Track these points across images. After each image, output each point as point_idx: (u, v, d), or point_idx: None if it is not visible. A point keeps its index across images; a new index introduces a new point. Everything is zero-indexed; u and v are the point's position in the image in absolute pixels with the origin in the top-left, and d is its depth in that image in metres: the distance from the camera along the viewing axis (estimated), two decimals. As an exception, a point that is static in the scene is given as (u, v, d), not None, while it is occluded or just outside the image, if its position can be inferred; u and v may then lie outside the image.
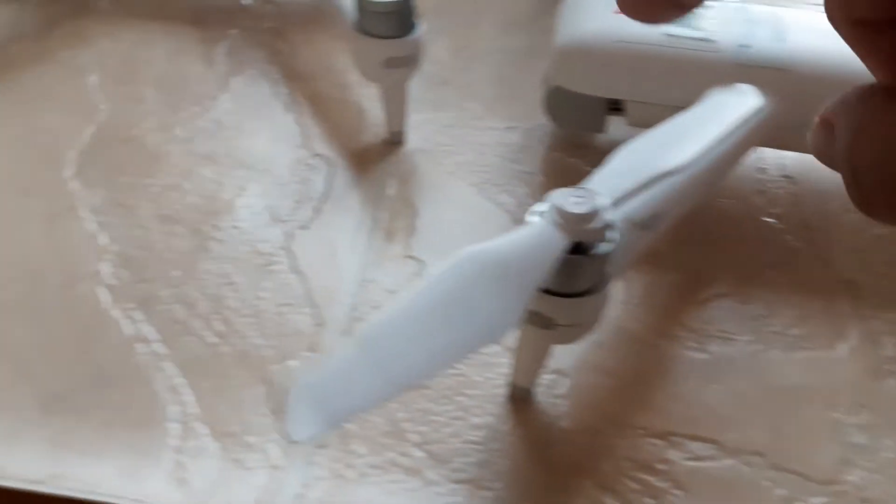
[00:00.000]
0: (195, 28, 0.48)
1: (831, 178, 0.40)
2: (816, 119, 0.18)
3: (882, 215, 0.18)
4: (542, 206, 0.26)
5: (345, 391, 0.21)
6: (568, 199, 0.25)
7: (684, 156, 0.28)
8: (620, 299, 0.35)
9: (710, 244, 0.37)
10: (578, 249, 0.25)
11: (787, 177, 0.41)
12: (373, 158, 0.41)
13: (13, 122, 0.42)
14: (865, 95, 0.18)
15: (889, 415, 0.31)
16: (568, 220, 0.24)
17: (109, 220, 0.37)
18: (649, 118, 0.38)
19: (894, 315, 0.35)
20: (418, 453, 0.29)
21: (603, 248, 0.25)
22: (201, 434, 0.29)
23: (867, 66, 0.18)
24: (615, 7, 0.42)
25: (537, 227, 0.25)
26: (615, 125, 0.40)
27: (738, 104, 0.32)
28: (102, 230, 0.36)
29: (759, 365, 0.33)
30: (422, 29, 0.39)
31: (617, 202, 0.26)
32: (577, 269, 0.26)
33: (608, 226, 0.25)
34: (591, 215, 0.24)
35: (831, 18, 0.18)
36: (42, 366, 0.31)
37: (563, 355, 0.32)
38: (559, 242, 0.24)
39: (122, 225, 0.36)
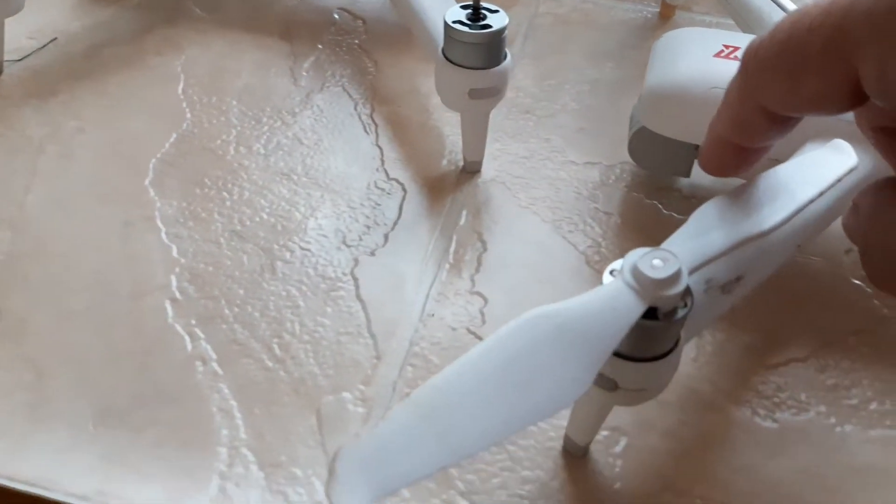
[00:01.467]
0: (284, 41, 0.49)
1: None
2: (852, 199, 0.23)
3: (887, 289, 0.21)
4: (618, 265, 0.25)
5: (398, 460, 0.20)
6: (648, 260, 0.24)
7: (773, 220, 0.27)
8: (690, 357, 0.34)
9: (790, 304, 0.36)
10: (652, 315, 0.24)
11: (880, 236, 0.39)
12: (447, 187, 0.41)
13: (100, 126, 0.43)
14: (882, 185, 0.21)
15: (972, 509, 0.29)
16: (645, 286, 0.23)
17: (182, 231, 0.37)
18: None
19: None
20: (463, 502, 0.29)
21: (679, 314, 0.24)
22: (248, 461, 0.29)
23: (888, 162, 0.23)
24: (713, 51, 0.40)
25: (614, 290, 0.24)
26: (698, 171, 0.39)
27: (833, 162, 0.30)
28: (175, 242, 0.37)
29: (832, 440, 0.31)
30: (509, 60, 0.38)
31: (697, 266, 0.25)
32: (649, 334, 0.24)
33: (687, 292, 0.24)
34: (670, 280, 0.23)
35: (859, 124, 0.23)
36: (103, 378, 0.32)
37: (624, 412, 0.31)
38: (636, 308, 0.23)
39: (194, 238, 0.37)
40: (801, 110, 0.22)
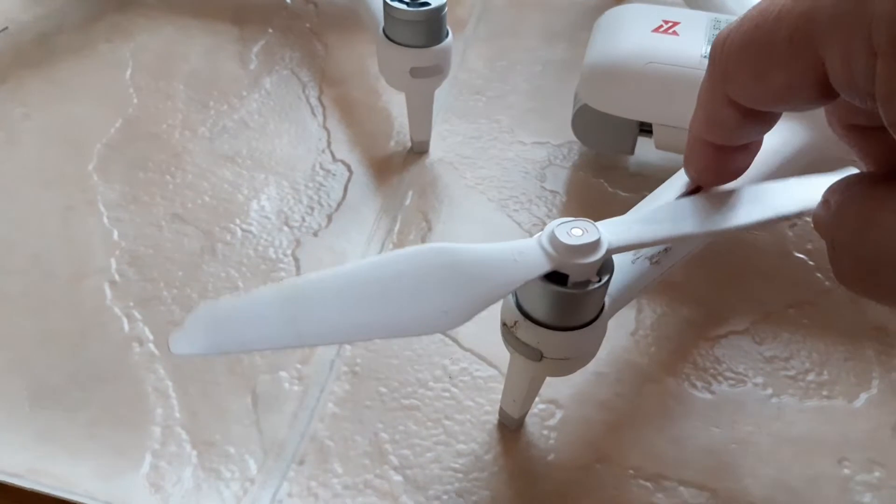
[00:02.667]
0: (234, 26, 0.48)
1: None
2: (823, 194, 0.21)
3: (853, 287, 0.20)
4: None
5: (244, 328, 0.20)
6: (568, 228, 0.24)
7: (725, 224, 0.25)
8: (629, 330, 0.34)
9: (732, 278, 0.36)
10: (563, 281, 0.24)
11: (824, 210, 0.39)
12: (394, 167, 0.41)
13: (46, 112, 0.42)
14: (853, 181, 0.20)
15: (904, 475, 0.29)
16: (557, 249, 0.23)
17: (123, 215, 0.37)
18: (678, 143, 0.37)
19: (924, 367, 0.33)
20: (396, 477, 0.29)
21: (591, 286, 0.24)
22: (182, 440, 0.29)
23: (857, 158, 0.22)
24: (652, 26, 0.40)
25: (523, 246, 0.24)
26: (645, 147, 0.39)
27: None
28: (116, 226, 0.36)
29: (768, 410, 0.31)
30: (450, 39, 0.38)
31: (622, 247, 0.25)
32: (562, 301, 0.25)
33: (603, 264, 0.24)
34: (581, 250, 0.23)
35: (830, 123, 0.22)
36: (39, 359, 0.32)
37: (560, 385, 0.31)
38: (539, 266, 0.23)
39: (135, 222, 0.37)
40: (769, 104, 0.21)
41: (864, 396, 0.32)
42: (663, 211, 0.26)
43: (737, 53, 0.21)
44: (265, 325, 0.21)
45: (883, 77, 0.16)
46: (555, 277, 0.23)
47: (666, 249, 0.29)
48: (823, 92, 0.19)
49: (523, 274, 0.23)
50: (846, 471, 0.29)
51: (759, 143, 0.25)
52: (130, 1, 0.50)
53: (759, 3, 0.20)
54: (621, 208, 0.31)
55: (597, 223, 0.24)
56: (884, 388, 0.32)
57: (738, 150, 0.25)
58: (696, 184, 0.26)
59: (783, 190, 0.26)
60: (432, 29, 0.37)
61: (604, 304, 0.26)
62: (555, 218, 0.38)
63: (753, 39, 0.20)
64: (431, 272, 0.22)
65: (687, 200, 0.26)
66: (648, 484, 0.29)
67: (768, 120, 0.23)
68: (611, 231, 0.24)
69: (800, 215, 0.25)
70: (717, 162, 0.25)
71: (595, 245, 0.23)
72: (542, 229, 0.24)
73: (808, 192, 0.25)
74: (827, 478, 0.29)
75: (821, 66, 0.18)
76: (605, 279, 0.24)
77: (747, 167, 0.25)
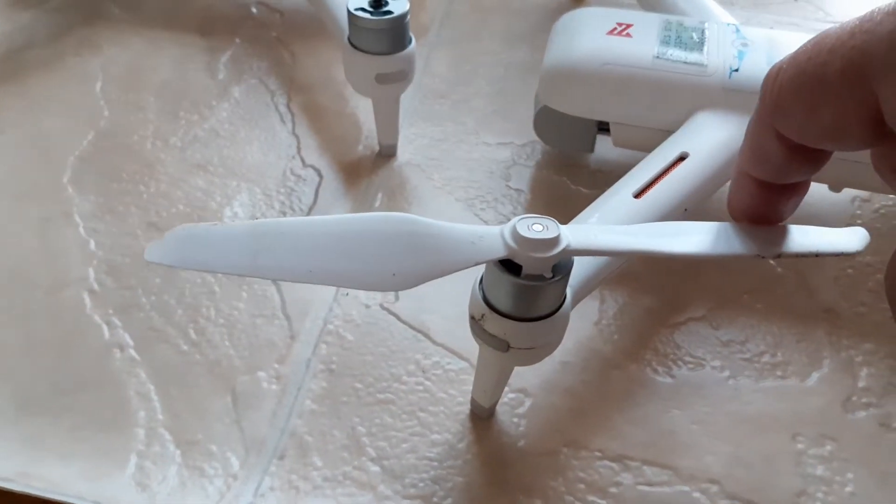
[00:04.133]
0: (202, 37, 0.49)
1: (819, 203, 0.40)
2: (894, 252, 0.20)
3: None
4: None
5: (212, 252, 0.23)
6: (530, 223, 0.25)
7: (669, 248, 0.26)
8: (593, 320, 0.35)
9: (689, 269, 0.37)
10: (518, 272, 0.25)
11: (777, 200, 0.41)
12: (363, 171, 0.42)
13: (18, 126, 0.43)
14: None
15: (854, 448, 0.31)
16: (516, 241, 0.25)
17: (99, 225, 0.38)
18: (634, 140, 0.39)
19: (871, 346, 0.34)
20: (374, 468, 0.30)
21: (543, 280, 0.25)
22: (165, 440, 0.30)
23: None
24: (606, 29, 0.42)
25: (485, 231, 0.25)
26: (605, 145, 0.40)
27: (839, 236, 0.26)
28: (92, 236, 0.37)
29: (726, 392, 0.33)
30: (413, 45, 0.39)
31: (582, 251, 0.26)
32: (529, 294, 0.26)
33: (560, 262, 0.25)
34: (537, 245, 0.25)
35: (877, 167, 0.21)
36: (23, 368, 0.32)
37: (529, 375, 0.33)
38: (494, 252, 0.25)
39: (111, 231, 0.38)
40: (819, 140, 0.20)
41: (815, 375, 0.33)
42: (635, 228, 0.27)
43: (788, 85, 0.20)
44: (230, 252, 0.23)
45: None
46: (511, 268, 0.25)
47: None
48: (876, 130, 0.18)
49: (478, 256, 0.24)
50: (799, 445, 0.31)
51: (807, 185, 0.24)
52: (98, 14, 0.51)
53: (815, 36, 0.19)
54: (584, 204, 0.33)
55: (565, 225, 0.25)
56: (834, 367, 0.34)
57: (784, 189, 0.23)
58: (739, 221, 0.25)
59: (747, 232, 0.26)
60: (396, 36, 0.38)
61: (565, 296, 0.27)
62: (519, 215, 0.40)
63: (805, 71, 0.19)
64: (392, 236, 0.24)
65: (662, 224, 0.27)
66: (614, 465, 0.30)
67: (818, 159, 0.21)
68: (574, 233, 0.26)
69: (754, 256, 0.25)
70: (762, 200, 0.24)
71: (552, 242, 0.25)
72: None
73: (774, 236, 0.25)
74: (782, 453, 0.31)
75: (874, 103, 0.17)
76: (558, 277, 0.25)
77: (792, 211, 0.24)
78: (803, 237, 0.25)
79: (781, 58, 0.37)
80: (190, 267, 0.23)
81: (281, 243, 0.23)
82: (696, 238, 0.26)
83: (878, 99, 0.17)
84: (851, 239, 0.26)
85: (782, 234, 0.25)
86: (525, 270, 0.25)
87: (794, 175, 0.23)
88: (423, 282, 0.24)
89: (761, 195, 0.24)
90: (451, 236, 0.24)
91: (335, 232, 0.24)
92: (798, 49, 0.20)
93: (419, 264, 0.24)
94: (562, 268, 0.26)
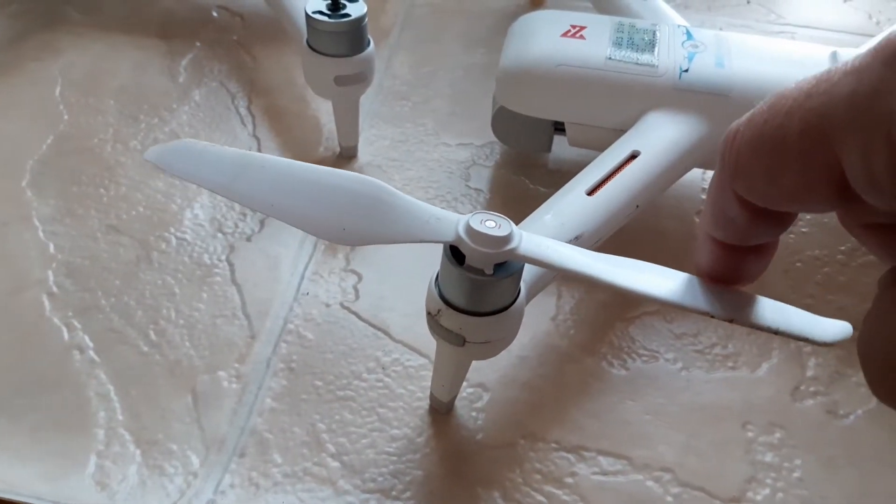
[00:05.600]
0: (162, 40, 0.50)
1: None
2: None
3: (886, 401, 0.18)
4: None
5: (203, 169, 0.25)
6: (485, 219, 0.26)
7: (615, 280, 0.25)
8: (550, 315, 0.36)
9: (644, 263, 0.38)
10: (462, 260, 0.26)
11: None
12: (323, 172, 0.42)
13: (-24, 131, 0.43)
14: (883, 285, 0.18)
15: (801, 435, 0.32)
16: (467, 231, 0.25)
17: (59, 228, 0.38)
18: (588, 140, 0.39)
19: (819, 336, 0.35)
20: (333, 463, 0.30)
21: (487, 274, 0.26)
22: (125, 440, 0.30)
23: (876, 256, 0.20)
24: (560, 31, 0.42)
25: (444, 216, 0.26)
26: (562, 145, 0.41)
27: (820, 324, 0.25)
28: (51, 239, 0.37)
29: (679, 383, 0.34)
30: (371, 48, 0.40)
31: (528, 258, 0.26)
32: (484, 289, 0.27)
33: (507, 263, 0.26)
34: (483, 240, 0.25)
35: (843, 222, 0.20)
36: (-19, 370, 0.32)
37: (487, 370, 0.33)
38: (444, 235, 0.25)
39: (71, 234, 0.38)
40: (783, 204, 0.19)
41: (765, 366, 0.34)
42: (589, 254, 0.26)
43: (746, 149, 0.19)
44: (214, 172, 0.25)
45: None
46: (460, 258, 0.26)
47: (578, 237, 0.32)
48: (842, 194, 0.17)
49: (427, 235, 0.25)
50: (750, 433, 0.32)
51: (775, 244, 0.23)
52: (58, 19, 0.51)
53: (769, 98, 0.18)
54: (542, 203, 0.33)
55: (525, 232, 0.26)
56: (783, 358, 0.35)
57: (749, 251, 0.22)
58: (707, 282, 0.24)
59: (711, 288, 0.24)
60: (354, 39, 0.39)
61: (520, 291, 0.28)
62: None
63: (763, 135, 0.18)
64: (358, 196, 0.25)
65: (620, 258, 0.26)
66: (570, 455, 0.31)
67: (783, 220, 0.21)
68: (528, 241, 0.26)
69: (703, 313, 0.24)
70: (727, 263, 0.23)
71: (498, 240, 0.25)
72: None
73: (739, 300, 0.24)
74: (732, 441, 0.32)
75: (837, 166, 0.16)
76: (501, 275, 0.26)
77: (762, 271, 0.23)
78: (772, 313, 0.24)
79: (730, 62, 0.38)
80: (177, 174, 0.25)
81: (259, 175, 0.25)
82: (651, 278, 0.25)
83: (842, 163, 0.16)
84: (827, 331, 0.24)
85: (749, 302, 0.24)
86: (468, 261, 0.25)
87: (758, 237, 0.22)
88: (368, 243, 0.25)
89: (726, 257, 0.23)
90: (410, 211, 0.26)
91: (309, 178, 0.26)
92: (754, 111, 0.19)
93: (370, 226, 0.25)
94: (510, 267, 0.26)
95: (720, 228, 0.22)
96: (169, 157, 0.26)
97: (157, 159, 0.25)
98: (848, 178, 0.16)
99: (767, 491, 0.30)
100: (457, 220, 0.26)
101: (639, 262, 0.26)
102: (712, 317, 0.24)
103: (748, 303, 0.24)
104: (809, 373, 0.34)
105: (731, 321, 0.24)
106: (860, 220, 0.19)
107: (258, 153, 0.27)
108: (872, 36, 0.44)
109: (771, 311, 0.24)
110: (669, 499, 0.30)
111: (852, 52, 0.39)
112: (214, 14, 0.52)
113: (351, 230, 0.25)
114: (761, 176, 0.18)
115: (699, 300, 0.24)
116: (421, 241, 0.25)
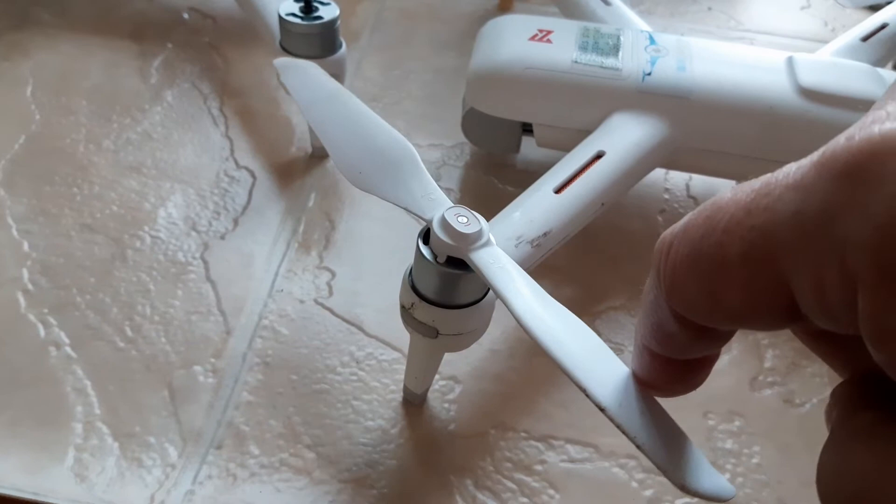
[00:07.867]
0: (133, 41, 0.50)
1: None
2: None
3: None
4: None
5: (307, 85, 0.32)
6: (460, 214, 0.27)
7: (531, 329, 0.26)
8: (519, 311, 0.37)
9: (609, 261, 0.39)
10: (456, 264, 0.27)
11: (691, 197, 0.43)
12: (296, 172, 0.43)
13: (-53, 131, 0.43)
14: (842, 408, 0.17)
15: (760, 422, 0.33)
16: (438, 221, 0.27)
17: (33, 227, 0.38)
18: (555, 140, 0.41)
19: (777, 329, 0.37)
20: (309, 454, 0.31)
21: (439, 264, 0.27)
22: (103, 433, 0.31)
23: (826, 363, 0.19)
24: (528, 35, 0.44)
25: (440, 199, 0.28)
26: (530, 146, 0.42)
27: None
28: (25, 237, 0.38)
29: (643, 375, 0.35)
30: (343, 50, 0.41)
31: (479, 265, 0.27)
32: (456, 282, 0.28)
33: (458, 254, 0.27)
34: (450, 232, 0.26)
35: (795, 335, 0.19)
36: (-44, 367, 0.33)
37: (459, 363, 0.34)
38: (425, 214, 0.27)
39: (45, 233, 0.38)
40: (725, 324, 0.17)
41: (725, 358, 0.36)
42: (533, 296, 0.27)
43: (682, 266, 0.17)
44: (309, 89, 0.32)
45: (868, 313, 0.14)
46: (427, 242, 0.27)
47: (545, 233, 0.33)
48: (790, 314, 0.16)
49: (415, 208, 0.27)
50: (710, 422, 0.33)
51: (717, 355, 0.21)
52: (28, 20, 0.51)
53: (703, 208, 0.17)
54: (511, 202, 0.34)
55: (495, 247, 0.27)
56: (742, 350, 0.36)
57: (688, 363, 0.21)
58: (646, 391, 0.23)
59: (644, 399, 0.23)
60: (326, 41, 0.40)
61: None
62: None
63: (701, 251, 0.17)
64: (386, 150, 0.29)
65: (570, 316, 0.27)
66: (539, 444, 0.32)
67: (724, 335, 0.19)
68: (486, 253, 0.27)
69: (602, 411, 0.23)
70: (665, 375, 0.21)
71: (462, 237, 0.26)
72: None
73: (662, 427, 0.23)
74: (694, 429, 0.33)
75: (785, 289, 0.15)
76: (451, 268, 0.27)
77: (702, 381, 0.21)
78: (664, 438, 0.23)
79: (691, 66, 0.39)
80: (286, 83, 0.33)
81: (329, 106, 0.31)
82: (577, 351, 0.25)
83: (790, 287, 0.15)
84: (700, 480, 0.21)
85: (670, 435, 0.23)
86: (430, 245, 0.26)
87: (699, 352, 0.20)
88: (371, 193, 0.28)
89: (665, 369, 0.21)
90: (418, 183, 0.28)
91: (362, 121, 0.30)
92: (688, 222, 0.17)
93: (380, 181, 0.28)
94: (463, 266, 0.27)
95: (657, 343, 0.20)
96: (289, 69, 0.33)
97: (281, 67, 0.33)
98: (798, 303, 0.15)
99: (728, 476, 0.32)
100: (443, 207, 0.27)
101: (590, 338, 0.25)
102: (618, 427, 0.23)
103: (669, 436, 0.23)
104: (767, 364, 0.36)
105: (634, 443, 0.22)
106: (809, 330, 0.18)
107: (340, 90, 0.31)
108: (827, 42, 0.46)
109: (665, 436, 0.23)
110: (634, 484, 0.31)
111: (807, 57, 0.40)
112: (186, 16, 0.52)
113: (365, 176, 0.28)
114: (702, 296, 0.17)
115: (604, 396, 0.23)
116: (408, 210, 0.27)
